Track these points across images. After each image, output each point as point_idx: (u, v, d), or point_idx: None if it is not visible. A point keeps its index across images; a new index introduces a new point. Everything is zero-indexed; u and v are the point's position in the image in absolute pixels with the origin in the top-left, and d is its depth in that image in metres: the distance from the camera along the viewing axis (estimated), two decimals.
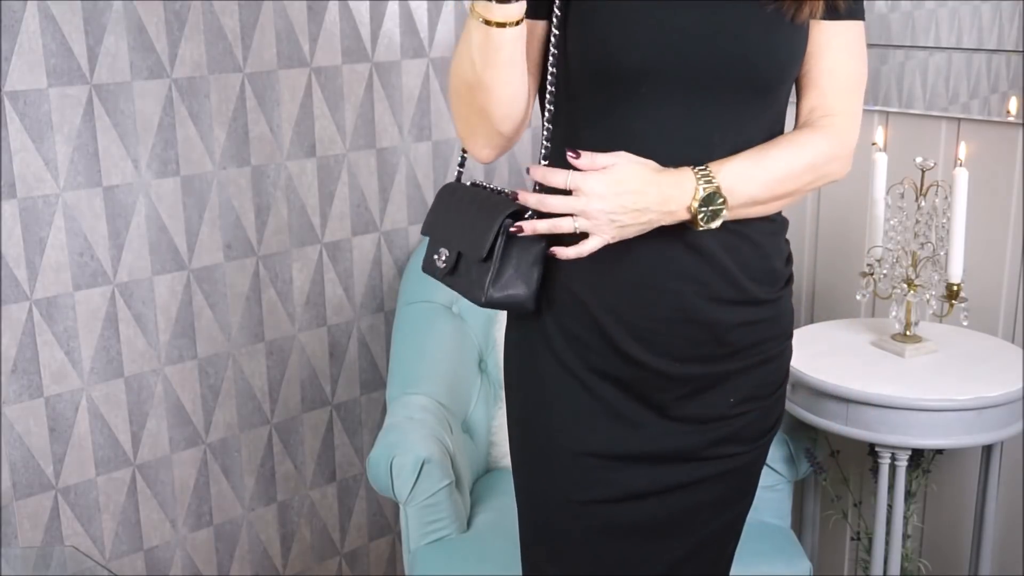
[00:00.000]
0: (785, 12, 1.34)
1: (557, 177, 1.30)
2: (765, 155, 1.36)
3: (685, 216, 1.31)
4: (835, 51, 1.40)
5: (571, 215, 1.29)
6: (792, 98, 1.45)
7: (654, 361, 1.40)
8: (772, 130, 1.41)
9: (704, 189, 1.29)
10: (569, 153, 1.28)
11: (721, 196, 1.30)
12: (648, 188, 1.28)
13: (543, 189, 1.34)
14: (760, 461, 1.55)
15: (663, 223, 1.31)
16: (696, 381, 1.43)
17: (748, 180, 1.33)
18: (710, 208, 1.30)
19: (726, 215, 1.31)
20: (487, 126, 1.37)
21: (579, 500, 1.46)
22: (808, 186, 1.41)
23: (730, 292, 1.39)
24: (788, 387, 2.17)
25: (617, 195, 1.27)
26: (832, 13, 1.38)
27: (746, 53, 1.33)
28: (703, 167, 1.31)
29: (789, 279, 1.49)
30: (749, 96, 1.36)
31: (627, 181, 1.28)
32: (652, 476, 1.45)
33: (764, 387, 1.48)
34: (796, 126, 1.43)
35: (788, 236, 1.49)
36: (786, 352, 1.52)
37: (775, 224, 1.45)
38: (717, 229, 1.33)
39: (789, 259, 1.49)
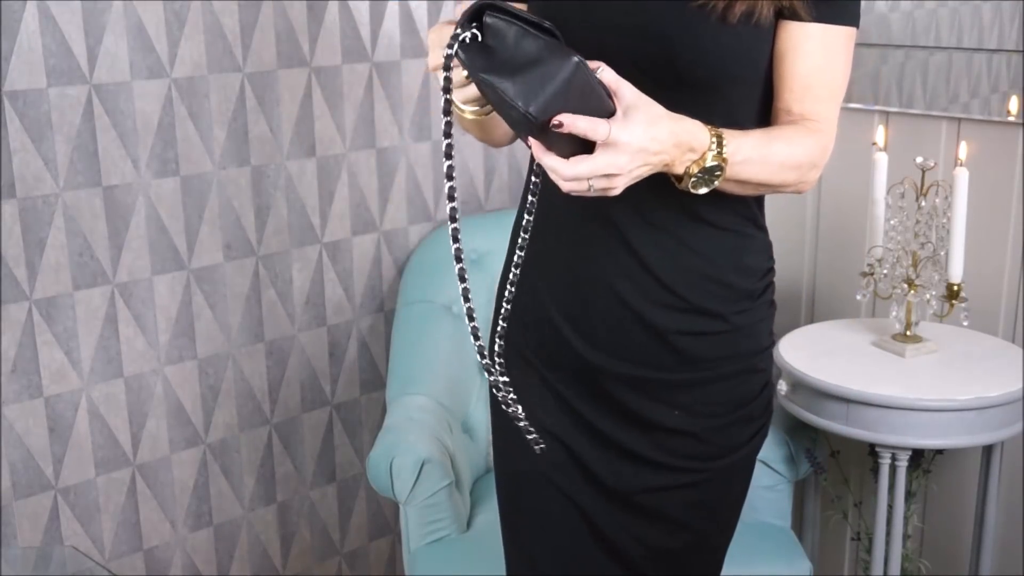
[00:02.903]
0: (710, 11, 1.28)
1: (599, 129, 1.14)
2: (771, 142, 1.30)
3: (678, 173, 1.24)
4: (808, 55, 1.33)
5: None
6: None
7: (592, 355, 1.42)
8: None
9: (712, 159, 1.22)
10: (592, 63, 1.15)
11: (721, 171, 1.23)
12: (669, 148, 1.19)
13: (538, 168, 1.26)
14: (722, 491, 1.49)
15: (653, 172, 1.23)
16: (642, 384, 1.42)
17: (750, 163, 1.27)
18: (705, 177, 1.23)
19: (715, 186, 1.25)
20: (496, 142, 1.49)
21: (538, 470, 1.48)
22: (782, 187, 1.34)
23: (666, 296, 1.37)
24: (788, 388, 2.18)
25: (647, 155, 1.17)
26: (794, 15, 1.31)
27: (666, 49, 1.29)
28: (718, 135, 1.22)
29: (759, 294, 1.43)
30: (688, 93, 1.30)
31: (660, 139, 1.17)
32: (611, 468, 1.46)
33: (719, 405, 1.44)
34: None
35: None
36: (750, 370, 1.45)
37: (727, 235, 1.39)
38: (654, 230, 1.33)
39: (765, 274, 1.44)
